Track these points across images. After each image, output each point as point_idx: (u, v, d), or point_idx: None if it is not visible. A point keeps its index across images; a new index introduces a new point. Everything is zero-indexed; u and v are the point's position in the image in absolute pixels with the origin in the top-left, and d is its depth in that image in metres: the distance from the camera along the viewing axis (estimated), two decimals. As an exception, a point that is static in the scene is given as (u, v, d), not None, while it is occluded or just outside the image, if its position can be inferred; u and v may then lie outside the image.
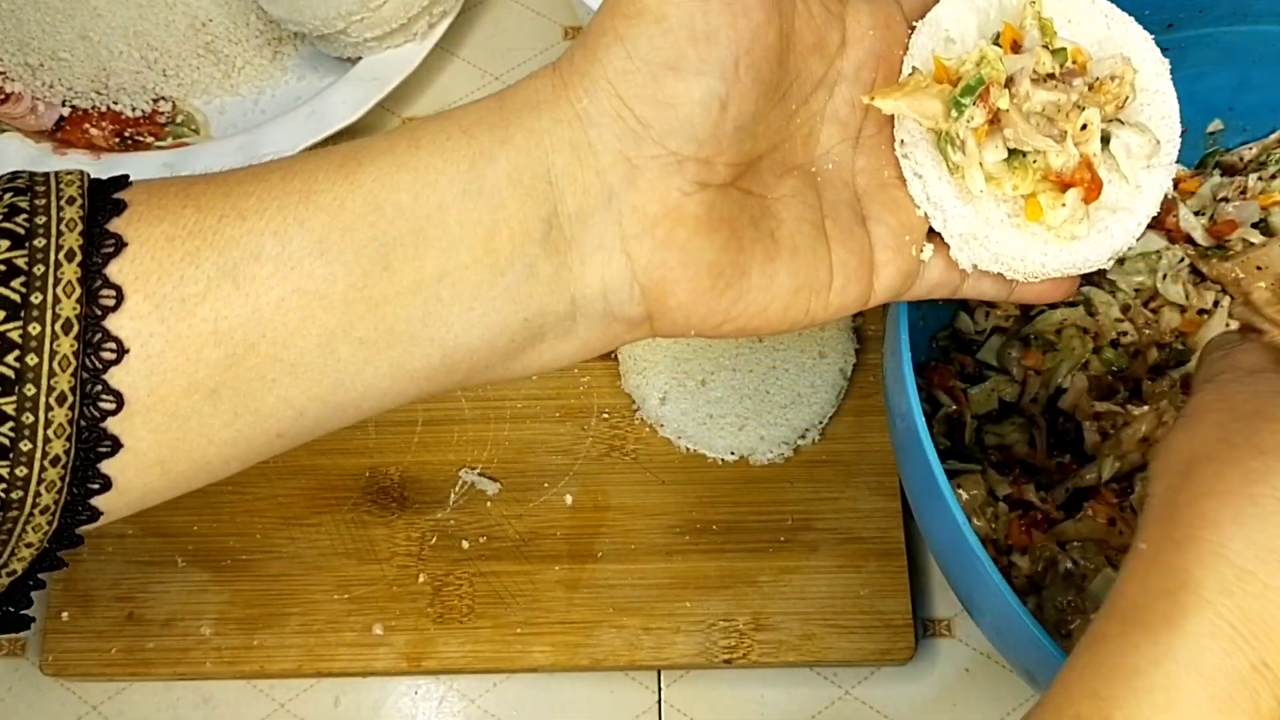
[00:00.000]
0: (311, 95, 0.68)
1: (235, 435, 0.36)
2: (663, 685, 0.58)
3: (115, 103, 0.69)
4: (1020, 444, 0.57)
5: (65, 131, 0.69)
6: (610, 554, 0.58)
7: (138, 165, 0.65)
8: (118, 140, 0.69)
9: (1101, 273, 0.59)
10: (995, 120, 0.39)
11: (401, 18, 0.66)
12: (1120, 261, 0.59)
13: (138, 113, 0.69)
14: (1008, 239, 0.40)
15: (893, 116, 0.41)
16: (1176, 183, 0.62)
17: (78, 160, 0.65)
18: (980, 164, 0.39)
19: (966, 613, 0.54)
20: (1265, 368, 0.39)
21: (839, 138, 0.41)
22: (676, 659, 0.57)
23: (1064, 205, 0.40)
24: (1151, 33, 0.57)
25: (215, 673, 0.57)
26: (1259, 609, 0.32)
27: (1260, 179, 0.61)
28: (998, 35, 0.41)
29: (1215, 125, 0.62)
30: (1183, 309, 0.58)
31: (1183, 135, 0.62)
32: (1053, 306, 0.59)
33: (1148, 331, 0.58)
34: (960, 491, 0.55)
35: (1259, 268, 0.57)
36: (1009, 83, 0.39)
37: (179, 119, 0.70)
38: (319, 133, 0.66)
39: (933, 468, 0.44)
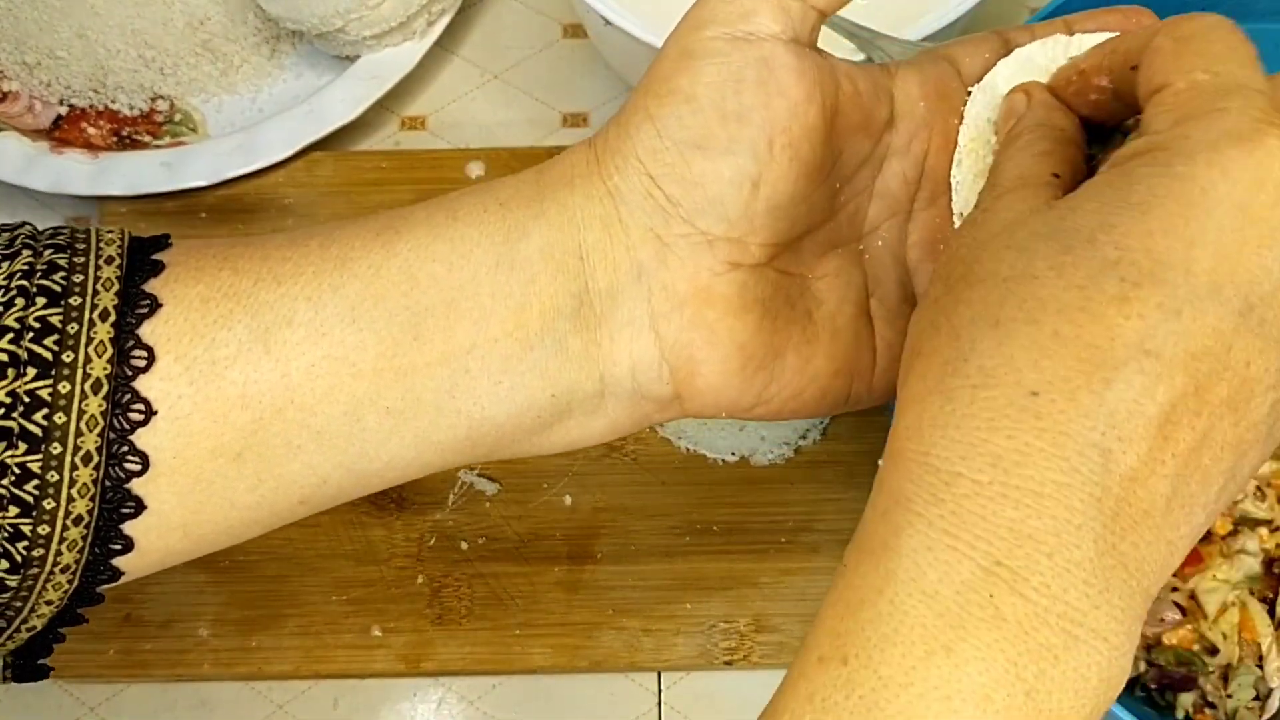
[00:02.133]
0: (310, 94, 0.68)
1: (258, 500, 0.36)
2: (663, 687, 0.58)
3: (112, 101, 0.69)
4: (1022, 444, 0.57)
5: (62, 130, 0.68)
6: (610, 555, 0.58)
7: (135, 164, 0.65)
8: (115, 139, 0.68)
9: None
10: None
11: (400, 16, 0.66)
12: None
13: (135, 111, 0.69)
14: None
15: (948, 187, 0.39)
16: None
17: (75, 159, 0.65)
18: None
19: (968, 614, 0.53)
20: (1023, 180, 0.33)
21: (889, 214, 0.40)
22: (677, 661, 0.57)
23: None
24: (1154, 31, 0.57)
25: (213, 674, 0.57)
26: (975, 509, 0.29)
27: (1263, 178, 0.60)
28: None
29: (1218, 124, 0.62)
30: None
31: (1185, 134, 0.62)
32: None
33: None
34: (962, 492, 0.54)
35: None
36: None
37: (176, 118, 0.70)
38: (317, 131, 0.66)
39: (935, 469, 0.43)
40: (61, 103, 0.69)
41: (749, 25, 0.37)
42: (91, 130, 0.69)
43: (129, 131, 0.69)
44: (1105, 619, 0.28)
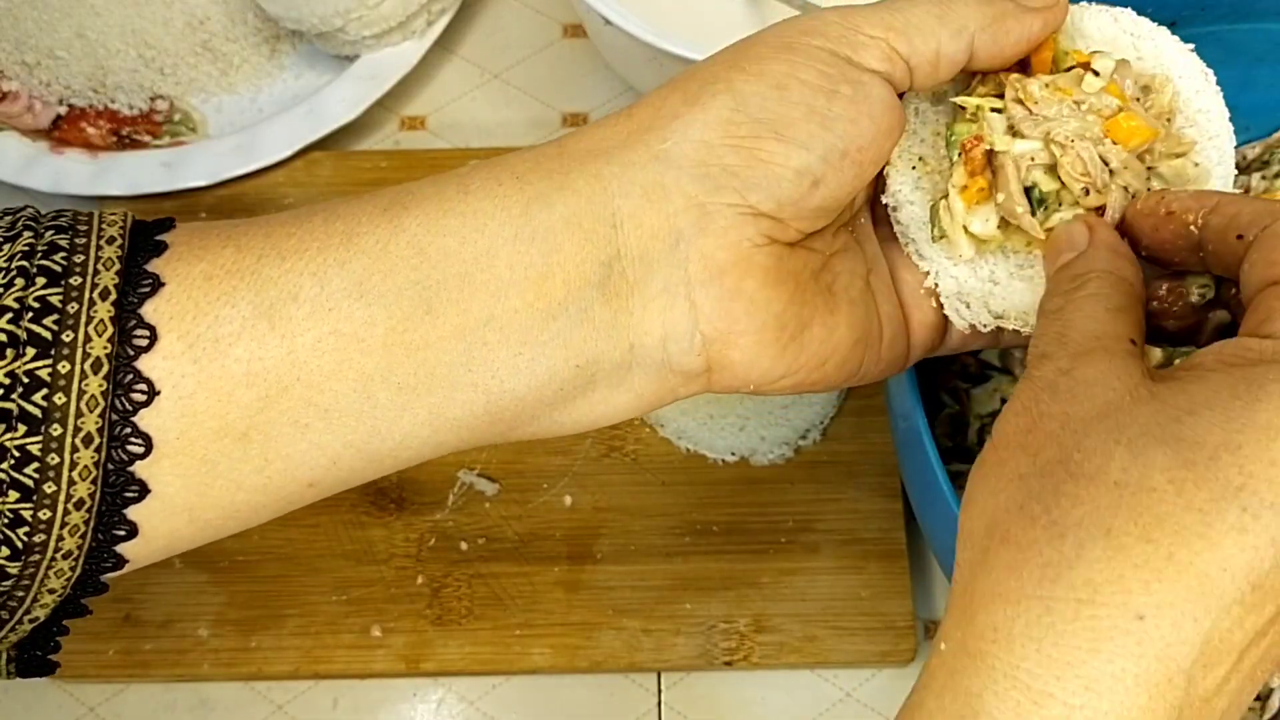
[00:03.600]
0: (309, 93, 0.68)
1: (265, 482, 0.36)
2: (663, 687, 0.58)
3: (112, 101, 0.69)
4: (1022, 445, 0.57)
5: (62, 130, 0.68)
6: (610, 555, 0.58)
7: (135, 164, 0.65)
8: (115, 139, 0.68)
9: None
10: (990, 178, 0.38)
11: (400, 15, 0.66)
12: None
13: (135, 111, 0.69)
14: (1015, 294, 0.38)
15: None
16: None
17: (74, 159, 0.65)
18: (965, 230, 0.38)
19: (968, 614, 0.53)
20: (1101, 343, 0.32)
21: (868, 193, 0.41)
22: (677, 661, 0.57)
23: None
24: (1154, 31, 0.57)
25: (213, 674, 0.57)
26: None
27: (1264, 178, 0.60)
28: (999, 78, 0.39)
29: (1218, 124, 0.62)
30: (1186, 308, 0.58)
31: (1186, 134, 0.62)
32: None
33: (1151, 331, 0.58)
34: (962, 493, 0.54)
35: (1263, 267, 0.57)
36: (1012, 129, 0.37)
37: (176, 117, 0.70)
38: (317, 131, 0.66)
39: (935, 468, 0.43)
40: (61, 102, 0.69)
41: (856, 54, 0.37)
42: (91, 130, 0.68)
43: (128, 131, 0.69)
44: None
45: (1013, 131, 0.38)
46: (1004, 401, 0.57)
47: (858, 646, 0.56)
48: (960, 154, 0.38)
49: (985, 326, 0.39)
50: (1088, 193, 0.37)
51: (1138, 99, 0.38)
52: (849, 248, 0.40)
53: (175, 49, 0.70)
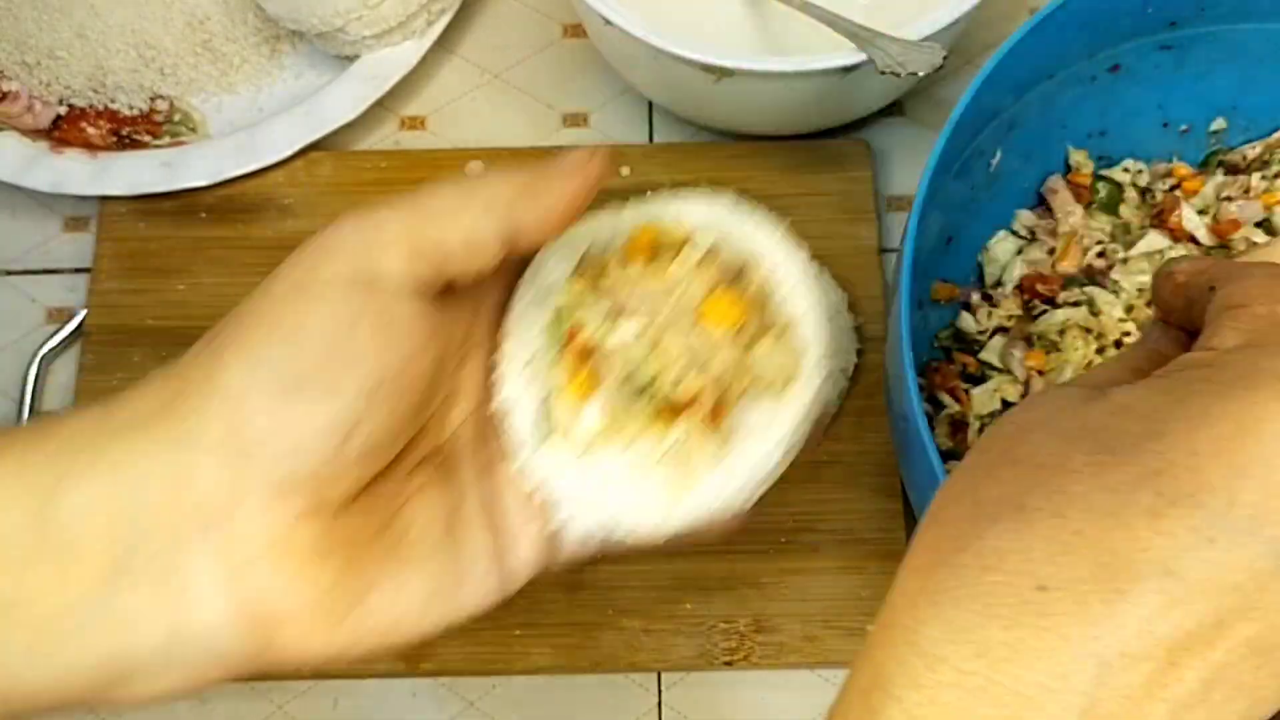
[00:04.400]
0: (309, 93, 0.68)
1: None
2: (663, 687, 0.58)
3: (112, 101, 0.69)
4: (1023, 445, 0.57)
5: (62, 130, 0.68)
6: (610, 555, 0.58)
7: (135, 164, 0.65)
8: (115, 139, 0.68)
9: (1104, 272, 0.59)
10: (594, 368, 0.37)
11: (400, 16, 0.66)
12: (1124, 260, 0.59)
13: (135, 111, 0.69)
14: (629, 495, 0.37)
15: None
16: (1179, 182, 0.61)
17: (75, 158, 0.65)
18: (573, 427, 0.37)
19: (969, 614, 0.53)
20: (1091, 381, 0.33)
21: (469, 406, 0.39)
22: (677, 661, 0.57)
23: (679, 437, 0.36)
24: (1154, 31, 0.57)
25: (213, 675, 0.57)
26: (953, 700, 0.27)
27: (1264, 178, 0.60)
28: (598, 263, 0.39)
29: (1218, 124, 0.62)
30: (1186, 309, 0.58)
31: (1186, 133, 0.62)
32: (1056, 306, 0.58)
33: (1151, 331, 0.58)
34: (962, 492, 0.54)
35: (1263, 267, 0.57)
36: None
37: (176, 117, 0.70)
38: (317, 131, 0.66)
39: (935, 469, 0.43)
40: (61, 102, 0.69)
41: (377, 265, 0.35)
42: (91, 130, 0.68)
43: (129, 131, 0.69)
44: None
45: (612, 318, 0.37)
46: (1004, 402, 0.57)
47: (858, 646, 0.56)
48: (562, 346, 0.37)
49: (598, 535, 0.38)
50: (684, 377, 0.36)
51: (732, 281, 0.38)
52: (430, 485, 0.38)
53: (175, 49, 0.70)
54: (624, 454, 0.37)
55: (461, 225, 0.36)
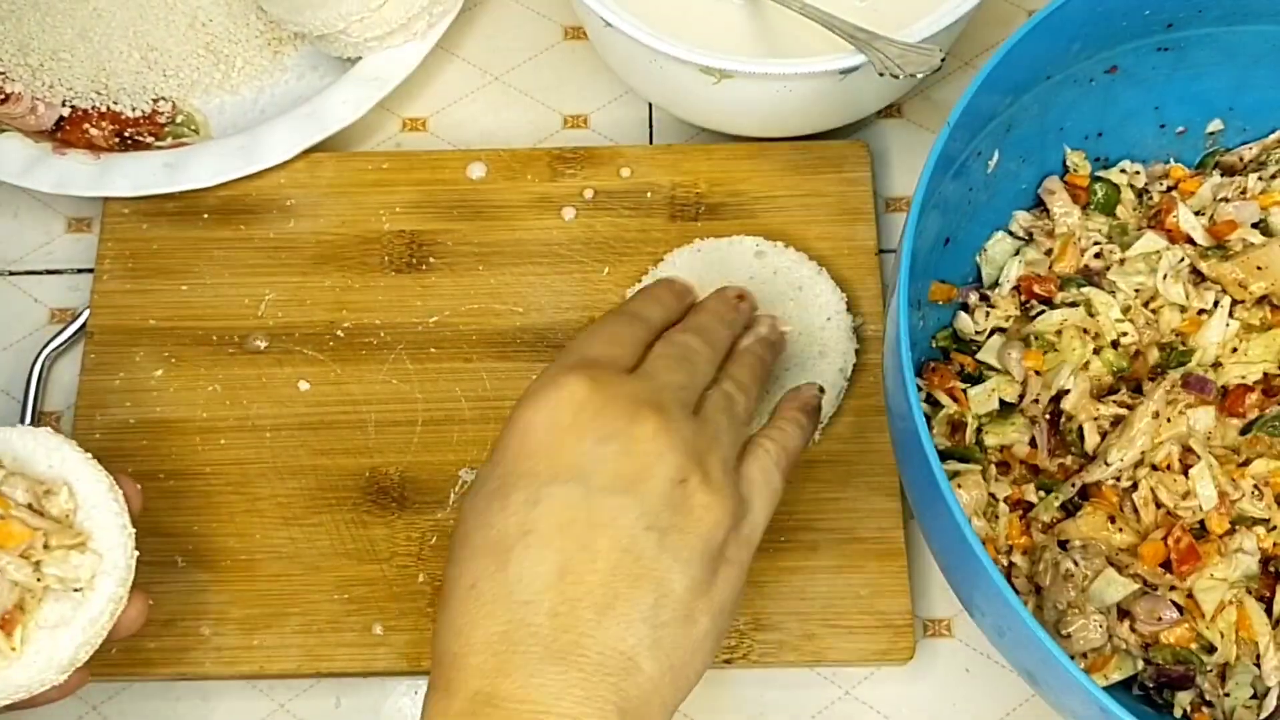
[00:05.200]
0: (311, 95, 0.68)
1: None
2: (663, 685, 0.58)
3: (115, 102, 0.69)
4: (1021, 444, 0.57)
5: (65, 131, 0.69)
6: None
7: (137, 165, 0.65)
8: (117, 140, 0.69)
9: (1102, 273, 0.59)
10: None
11: (401, 18, 0.66)
12: (1121, 261, 0.59)
13: (138, 112, 0.69)
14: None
15: None
16: (1176, 184, 0.62)
17: (77, 160, 0.66)
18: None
19: (967, 613, 0.54)
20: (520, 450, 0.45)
21: None
22: (676, 659, 0.57)
23: None
24: (1151, 33, 0.57)
25: (215, 673, 0.57)
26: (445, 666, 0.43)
27: (1260, 179, 0.61)
28: None
29: (1215, 125, 0.62)
30: (1183, 309, 0.58)
31: (1183, 135, 0.63)
32: (1053, 307, 0.59)
33: (1148, 332, 0.58)
34: (961, 492, 0.55)
35: (1259, 268, 0.57)
36: None
37: (179, 119, 0.70)
38: (319, 133, 0.66)
39: (933, 468, 0.44)
40: (64, 104, 0.69)
41: None
42: (94, 131, 0.69)
43: (131, 132, 0.69)
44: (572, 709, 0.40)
45: None
46: (1002, 402, 0.58)
47: (857, 645, 0.57)
48: None
49: None
50: None
51: (32, 504, 0.46)
52: None
53: (178, 50, 0.70)
54: None
55: None
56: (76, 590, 0.46)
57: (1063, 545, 0.54)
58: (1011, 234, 0.61)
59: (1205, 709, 0.53)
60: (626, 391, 0.44)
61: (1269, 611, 0.53)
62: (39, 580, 0.45)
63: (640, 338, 0.48)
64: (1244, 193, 0.60)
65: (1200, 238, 0.59)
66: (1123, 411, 0.55)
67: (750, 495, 0.46)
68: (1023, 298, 0.60)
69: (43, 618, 0.46)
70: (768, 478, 0.47)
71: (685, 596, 0.42)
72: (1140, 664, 0.53)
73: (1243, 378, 0.56)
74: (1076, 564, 0.53)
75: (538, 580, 0.41)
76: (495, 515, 0.42)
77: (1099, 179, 0.61)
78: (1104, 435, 0.56)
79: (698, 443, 0.44)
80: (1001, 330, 0.59)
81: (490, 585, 0.41)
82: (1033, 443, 0.57)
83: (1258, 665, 0.52)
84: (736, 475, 0.46)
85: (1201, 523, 0.54)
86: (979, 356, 0.59)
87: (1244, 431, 0.55)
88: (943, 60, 0.57)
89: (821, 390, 0.53)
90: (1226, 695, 0.52)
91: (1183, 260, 0.59)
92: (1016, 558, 0.55)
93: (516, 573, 0.41)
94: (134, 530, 0.47)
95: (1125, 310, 0.58)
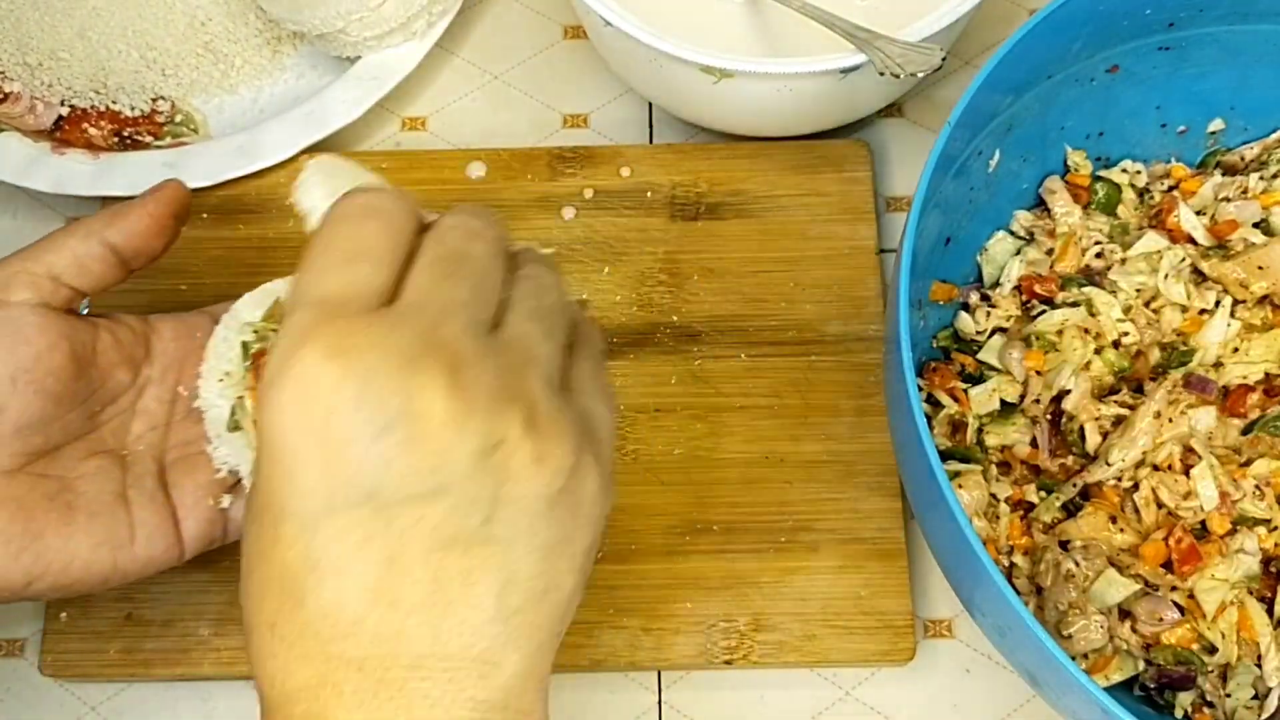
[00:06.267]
0: (310, 94, 0.68)
1: None
2: (663, 686, 0.58)
3: (114, 102, 0.69)
4: (1022, 444, 0.57)
5: (64, 131, 0.68)
6: (610, 554, 0.58)
7: (137, 164, 0.65)
8: (116, 140, 0.69)
9: (1103, 272, 0.59)
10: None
11: (401, 17, 0.66)
12: (1122, 261, 0.59)
13: (136, 112, 0.69)
14: None
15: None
16: (1178, 183, 0.62)
17: (76, 159, 0.65)
18: (255, 423, 0.44)
19: (968, 614, 0.54)
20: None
21: (148, 426, 0.50)
22: (677, 660, 0.57)
23: None
24: (1152, 32, 0.57)
25: (214, 673, 0.57)
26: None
27: (1262, 179, 0.60)
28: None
29: (1216, 124, 0.62)
30: (1184, 309, 0.58)
31: (1184, 134, 0.63)
32: (1054, 306, 0.59)
33: (1150, 332, 0.58)
34: (962, 492, 0.55)
35: (1260, 267, 0.57)
36: None
37: (178, 118, 0.70)
38: (318, 132, 0.66)
39: (934, 468, 0.44)
40: (63, 103, 0.69)
41: (4, 292, 0.46)
42: (93, 131, 0.69)
43: (130, 132, 0.69)
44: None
45: None
46: (1003, 402, 0.58)
47: (857, 645, 0.56)
48: (251, 364, 0.48)
49: None
50: None
51: None
52: (103, 470, 0.48)
53: (177, 50, 0.70)
54: None
55: (66, 255, 0.47)
56: None
57: (1064, 546, 0.54)
58: (1012, 233, 0.61)
59: (1206, 710, 0.53)
60: (391, 348, 0.32)
61: (1270, 612, 0.53)
62: None
63: (391, 240, 0.35)
64: (1245, 192, 0.60)
65: (1201, 237, 0.59)
66: (1124, 411, 0.55)
67: (589, 408, 0.37)
68: (1024, 297, 0.59)
69: None
70: (600, 378, 0.39)
71: (536, 570, 0.35)
72: (1141, 665, 0.53)
73: (1244, 378, 0.56)
74: (1078, 564, 0.53)
75: (346, 611, 0.33)
76: (270, 548, 0.34)
77: (1100, 178, 0.61)
78: (1105, 435, 0.56)
79: (508, 380, 0.34)
80: (1002, 330, 0.59)
81: (291, 626, 0.33)
82: (1034, 443, 0.57)
83: (1259, 666, 0.52)
84: (568, 389, 0.37)
85: (1203, 523, 0.54)
86: (980, 356, 0.59)
87: (1245, 431, 0.55)
88: (943, 59, 0.57)
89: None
90: (1228, 696, 0.52)
91: (1184, 260, 0.59)
92: (1017, 558, 0.55)
93: (318, 609, 0.33)
94: None
95: (1126, 310, 0.58)
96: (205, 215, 0.66)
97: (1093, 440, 0.55)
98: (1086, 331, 0.58)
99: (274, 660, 0.34)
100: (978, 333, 0.59)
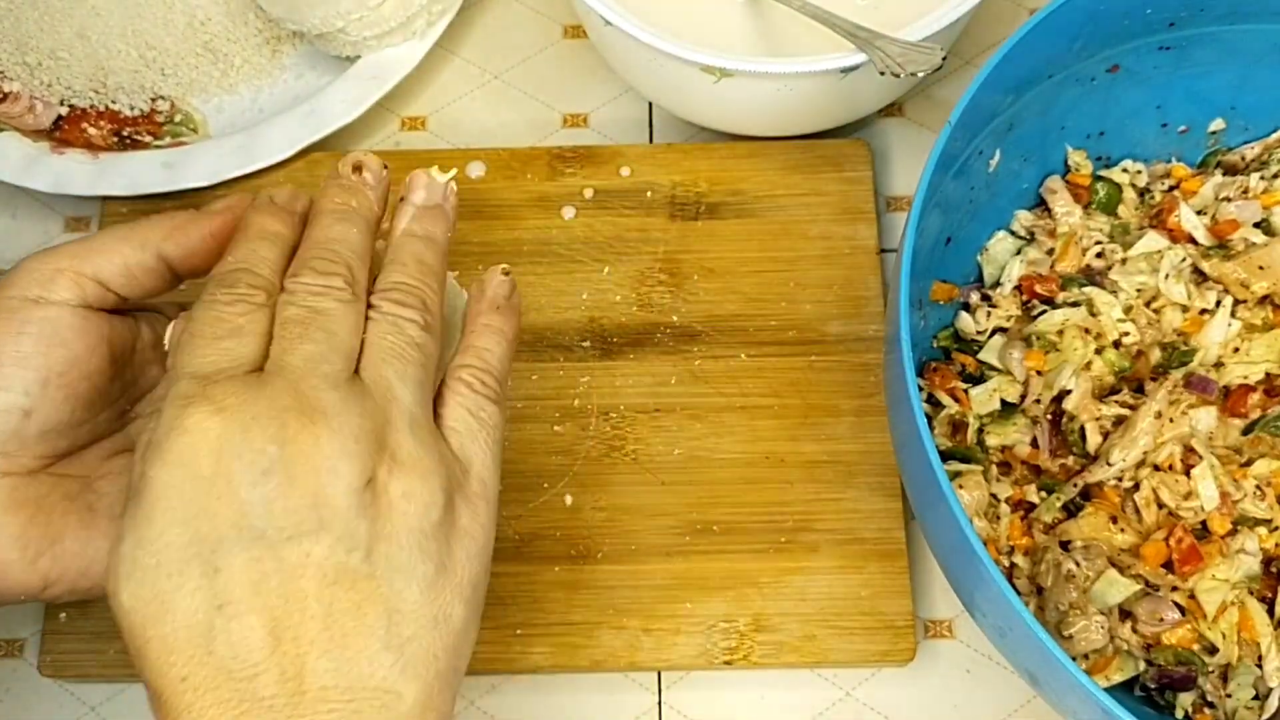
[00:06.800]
0: (310, 94, 0.68)
1: None
2: (663, 687, 0.58)
3: (113, 102, 0.69)
4: (1022, 445, 0.57)
5: (63, 131, 0.68)
6: (610, 555, 0.58)
7: (136, 164, 0.65)
8: (116, 139, 0.69)
9: (1103, 272, 0.59)
10: None
11: (401, 16, 0.66)
12: (1122, 261, 0.59)
13: (136, 112, 0.69)
14: None
15: None
16: (1178, 183, 0.62)
17: (76, 159, 0.65)
18: None
19: (968, 614, 0.54)
20: None
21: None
22: (677, 660, 0.57)
23: None
24: (1153, 32, 0.57)
25: (214, 674, 0.57)
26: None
27: (1262, 178, 0.60)
28: None
29: (1217, 124, 0.62)
30: (1185, 309, 0.58)
31: (1185, 134, 0.63)
32: (1055, 306, 0.59)
33: (1150, 332, 0.58)
34: (962, 492, 0.54)
35: (1261, 267, 0.57)
36: None
37: (177, 118, 0.70)
38: (318, 132, 0.66)
39: (935, 468, 0.43)
40: (62, 103, 0.69)
41: (46, 290, 0.44)
42: (92, 130, 0.69)
43: (130, 132, 0.69)
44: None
45: None
46: (1004, 402, 0.58)
47: (857, 646, 0.56)
48: None
49: None
50: None
51: None
52: (125, 470, 0.46)
53: (176, 50, 0.70)
54: None
55: (117, 261, 0.45)
56: None
57: (1064, 546, 0.54)
58: (1013, 233, 0.61)
59: (1207, 710, 0.53)
60: (264, 404, 0.37)
61: (1271, 612, 0.53)
62: None
63: (254, 310, 0.40)
64: (1246, 192, 0.60)
65: (1202, 237, 0.59)
66: (1125, 412, 0.55)
67: (463, 445, 0.41)
68: (1024, 297, 0.59)
69: None
70: (478, 415, 0.41)
71: (422, 600, 0.38)
72: (1142, 665, 0.53)
73: (1245, 378, 0.56)
74: (1078, 565, 0.53)
75: (252, 651, 0.36)
76: (173, 599, 0.36)
77: (1101, 178, 0.61)
78: (1106, 435, 0.56)
79: (371, 422, 0.38)
80: (1003, 330, 0.59)
81: (203, 673, 0.36)
82: (1034, 443, 0.57)
83: (1259, 666, 0.52)
84: (437, 430, 0.40)
85: (1203, 523, 0.54)
86: (980, 356, 0.59)
87: (1246, 432, 0.55)
88: (944, 59, 0.57)
89: (507, 271, 0.45)
90: (1228, 696, 0.52)
91: (1185, 260, 0.58)
92: (1018, 558, 0.55)
93: (227, 651, 0.36)
94: None
95: (1127, 310, 0.58)
96: (205, 215, 0.66)
97: (1093, 440, 0.55)
98: (1087, 331, 0.57)
99: (190, 713, 0.36)
100: (978, 333, 0.59)
